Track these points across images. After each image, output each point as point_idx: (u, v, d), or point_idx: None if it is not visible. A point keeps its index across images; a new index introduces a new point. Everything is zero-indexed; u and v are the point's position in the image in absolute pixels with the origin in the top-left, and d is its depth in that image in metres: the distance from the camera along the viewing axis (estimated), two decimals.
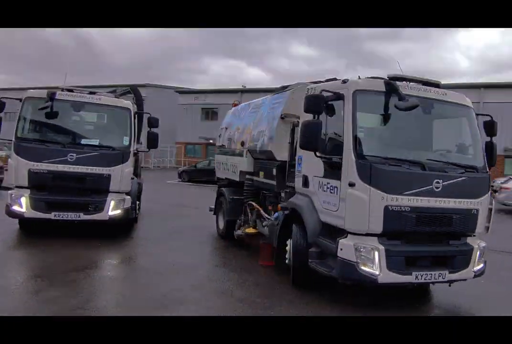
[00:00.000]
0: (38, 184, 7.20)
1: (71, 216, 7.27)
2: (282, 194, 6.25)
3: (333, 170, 4.81)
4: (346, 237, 4.58)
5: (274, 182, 6.45)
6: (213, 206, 9.47)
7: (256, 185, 7.23)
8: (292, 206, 5.60)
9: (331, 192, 4.83)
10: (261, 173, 6.98)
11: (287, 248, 5.60)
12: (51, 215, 7.17)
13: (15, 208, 7.15)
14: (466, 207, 4.78)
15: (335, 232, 4.80)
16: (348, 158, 4.54)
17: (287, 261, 5.63)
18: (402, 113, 4.70)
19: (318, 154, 4.82)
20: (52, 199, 7.25)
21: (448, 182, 4.65)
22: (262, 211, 6.87)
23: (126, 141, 7.69)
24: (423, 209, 4.58)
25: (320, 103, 4.66)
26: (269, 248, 6.48)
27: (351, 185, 4.47)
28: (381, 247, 4.45)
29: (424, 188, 4.57)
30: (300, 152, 5.62)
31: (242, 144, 7.68)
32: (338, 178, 4.68)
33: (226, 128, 8.98)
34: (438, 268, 4.71)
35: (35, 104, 7.35)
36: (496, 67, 71.46)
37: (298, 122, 5.97)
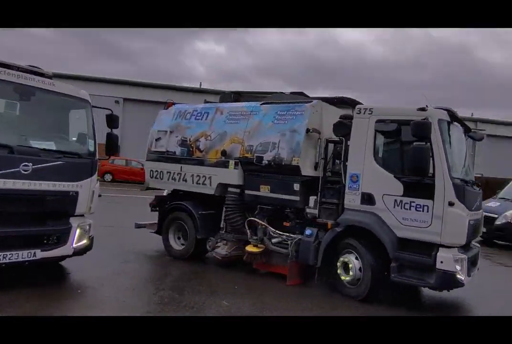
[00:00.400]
0: None
1: (22, 255, 4.89)
2: (311, 211, 6.15)
3: (420, 190, 5.24)
4: (438, 250, 5.13)
5: (296, 198, 6.23)
6: (143, 222, 8.07)
7: (251, 199, 6.71)
8: (352, 223, 5.66)
9: (417, 210, 5.25)
10: (265, 187, 6.55)
11: (350, 265, 5.62)
12: None
13: None
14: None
15: (420, 247, 5.26)
16: (444, 180, 5.10)
17: (346, 277, 5.66)
18: (457, 139, 5.64)
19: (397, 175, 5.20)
20: None
21: (478, 197, 5.87)
22: (271, 228, 6.48)
23: (91, 146, 5.71)
24: (476, 220, 5.63)
25: (429, 129, 5.01)
26: (297, 266, 6.23)
27: (451, 204, 5.05)
28: (465, 256, 5.23)
29: (477, 203, 5.63)
30: (355, 170, 5.76)
31: (223, 153, 6.94)
32: (430, 197, 5.16)
33: (171, 132, 7.77)
34: (474, 267, 5.85)
35: None
36: (228, 77, 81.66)
37: (341, 139, 6.08)
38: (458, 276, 5.11)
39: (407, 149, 5.26)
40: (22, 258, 4.88)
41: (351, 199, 5.75)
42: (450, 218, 5.07)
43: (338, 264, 5.78)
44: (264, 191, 6.57)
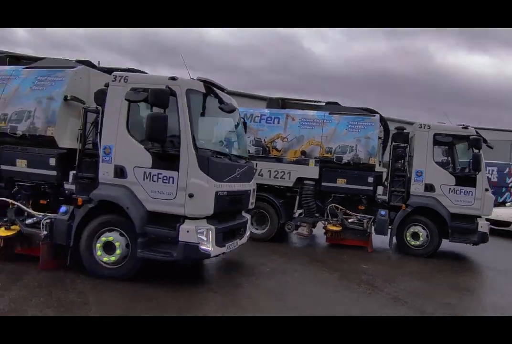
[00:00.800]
0: (218, 211, 5.40)
1: (233, 245, 5.95)
2: (381, 197, 8.40)
3: (467, 181, 7.99)
4: (477, 220, 8.01)
5: (370, 188, 8.38)
6: None
7: (328, 190, 8.58)
8: (421, 205, 8.12)
9: (465, 194, 8.00)
10: (342, 180, 8.50)
11: (420, 234, 8.09)
12: (225, 248, 5.64)
13: (204, 247, 5.10)
14: None
15: (465, 218, 8.04)
16: (483, 175, 7.96)
17: (416, 242, 8.13)
18: None
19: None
20: (225, 227, 5.65)
21: None
22: (348, 211, 8.51)
23: (247, 150, 6.78)
24: None
25: (481, 143, 7.73)
26: (370, 237, 8.43)
27: (487, 190, 7.93)
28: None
29: None
30: (420, 167, 8.21)
31: (303, 153, 8.60)
32: (474, 186, 7.95)
33: None
34: None
35: (196, 100, 5.32)
36: (57, 44, 71.85)
37: (405, 145, 8.42)
38: (488, 235, 8.10)
39: (461, 155, 7.97)
40: (234, 246, 5.92)
41: (416, 188, 8.22)
42: (487, 199, 7.97)
43: (407, 233, 8.23)
44: (341, 183, 8.53)
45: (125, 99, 5.21)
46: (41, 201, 5.82)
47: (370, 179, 8.40)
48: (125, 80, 5.37)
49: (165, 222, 5.16)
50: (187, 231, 5.01)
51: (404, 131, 8.65)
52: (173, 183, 5.07)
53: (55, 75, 5.80)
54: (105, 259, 5.25)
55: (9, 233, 5.70)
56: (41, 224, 5.56)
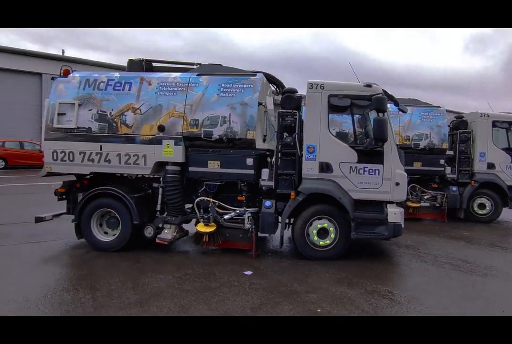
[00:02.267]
0: None
1: None
2: (450, 175, 9.99)
3: None
4: None
5: (442, 169, 9.92)
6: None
7: None
8: (486, 180, 9.86)
9: None
10: (418, 163, 9.93)
11: (486, 204, 9.85)
12: None
13: (403, 226, 6.18)
14: None
15: None
16: None
17: (484, 211, 9.87)
18: None
19: None
20: None
21: None
22: (424, 189, 9.98)
23: None
24: None
25: None
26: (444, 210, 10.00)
27: None
28: None
29: None
30: (483, 149, 9.89)
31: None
32: None
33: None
34: None
35: None
36: None
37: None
38: None
39: None
40: None
41: (480, 166, 9.96)
42: None
43: (474, 204, 9.95)
44: (417, 166, 9.95)
45: (332, 105, 6.00)
46: (239, 198, 6.41)
47: (442, 161, 9.93)
48: (322, 87, 6.14)
49: (368, 207, 6.13)
50: (394, 213, 6.04)
51: (463, 119, 10.27)
52: (378, 174, 6.04)
53: (241, 82, 6.31)
54: (321, 243, 6.12)
55: (211, 229, 6.27)
56: (245, 218, 6.22)
